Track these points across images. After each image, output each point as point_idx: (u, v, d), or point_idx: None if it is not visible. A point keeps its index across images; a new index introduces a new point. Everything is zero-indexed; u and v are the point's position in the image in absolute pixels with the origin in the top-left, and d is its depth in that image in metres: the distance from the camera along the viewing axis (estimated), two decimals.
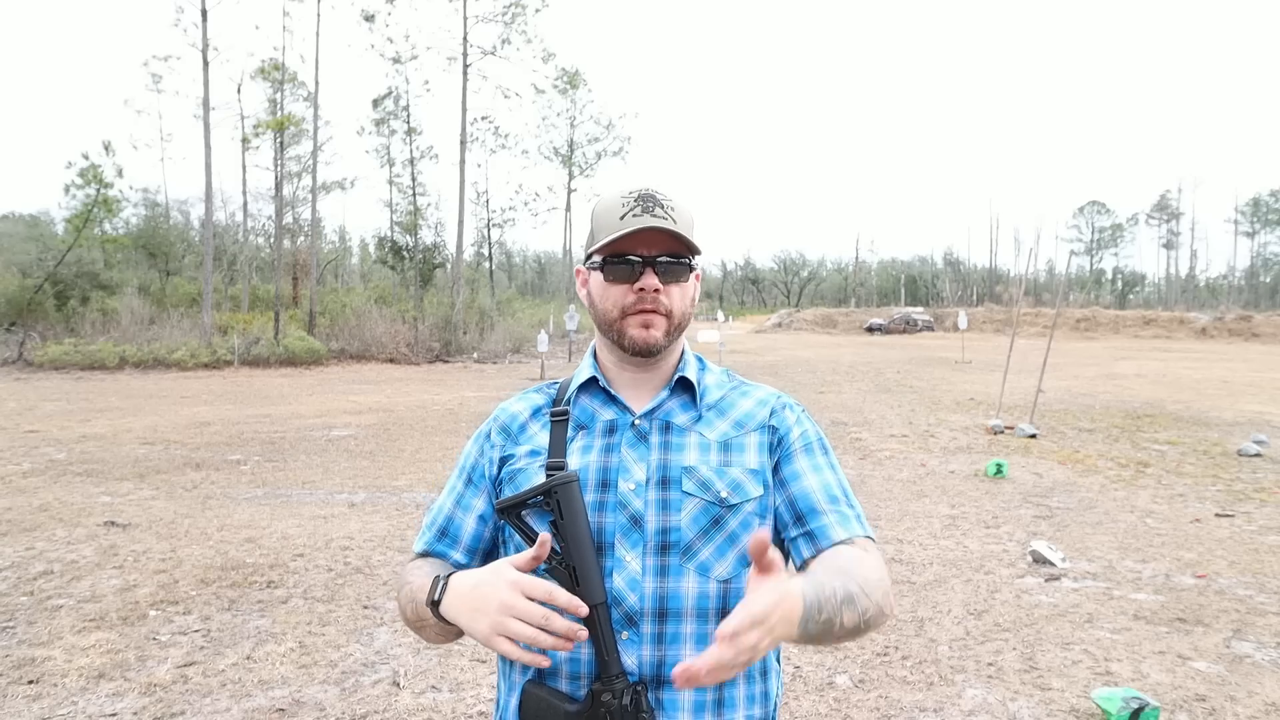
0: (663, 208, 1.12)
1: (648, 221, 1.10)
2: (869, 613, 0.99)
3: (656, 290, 1.12)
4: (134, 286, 27.16)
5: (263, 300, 32.03)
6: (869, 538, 1.12)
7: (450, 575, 1.03)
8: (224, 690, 3.41)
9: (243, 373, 20.39)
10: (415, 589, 1.09)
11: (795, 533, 1.13)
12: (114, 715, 3.18)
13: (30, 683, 3.43)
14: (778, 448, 1.17)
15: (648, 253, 1.12)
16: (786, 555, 1.15)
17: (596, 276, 1.17)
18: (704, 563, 1.10)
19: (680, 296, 1.16)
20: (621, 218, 1.11)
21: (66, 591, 4.57)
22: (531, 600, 0.93)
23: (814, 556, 1.09)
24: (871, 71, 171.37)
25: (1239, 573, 5.03)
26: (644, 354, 1.15)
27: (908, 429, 11.01)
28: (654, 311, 1.13)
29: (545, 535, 0.98)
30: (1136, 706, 3.11)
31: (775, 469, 1.16)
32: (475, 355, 25.89)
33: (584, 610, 0.96)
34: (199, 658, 3.72)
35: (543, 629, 0.93)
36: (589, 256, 1.18)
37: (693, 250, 1.14)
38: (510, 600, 0.93)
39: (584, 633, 0.95)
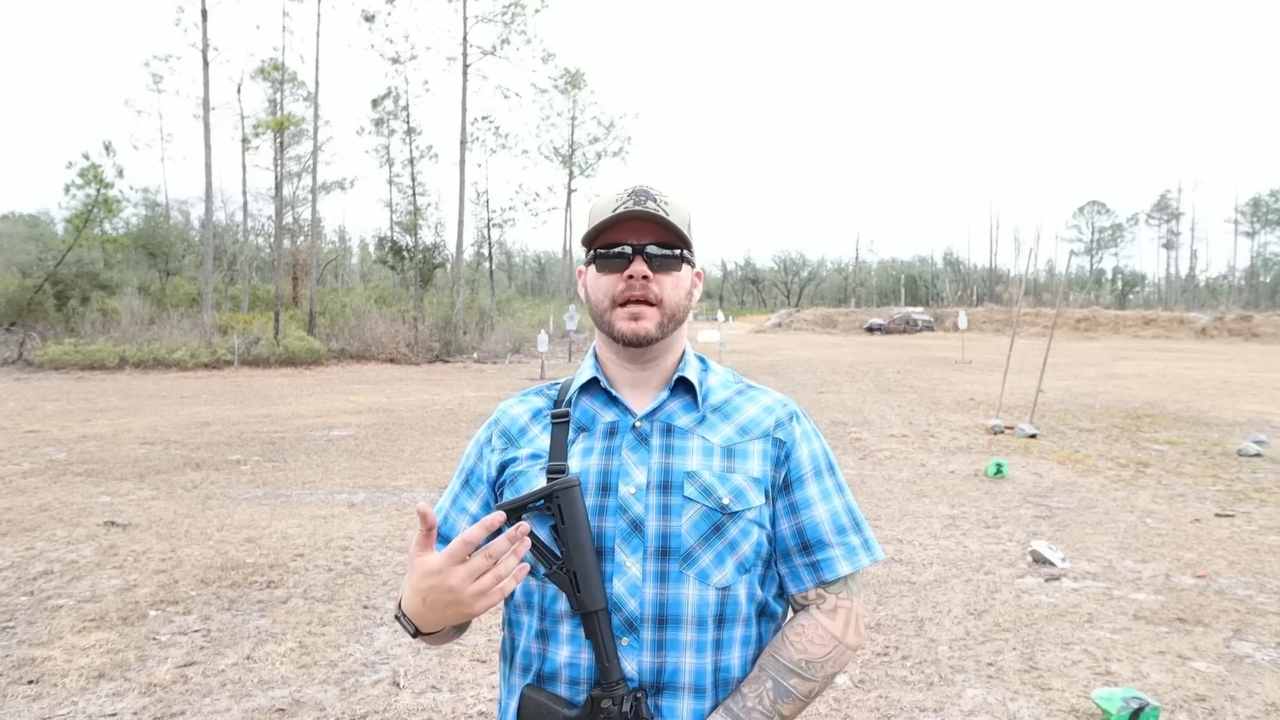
0: (655, 200, 1.12)
1: (637, 210, 1.10)
2: (815, 690, 1.08)
3: (646, 278, 1.12)
4: (134, 286, 27.13)
5: (263, 300, 32.01)
6: (874, 563, 1.19)
7: (400, 608, 1.05)
8: (224, 690, 3.41)
9: (243, 373, 20.38)
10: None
11: (800, 561, 1.15)
12: (114, 715, 3.18)
13: (30, 683, 3.43)
14: (784, 463, 1.16)
15: (638, 241, 1.12)
16: (781, 580, 1.16)
17: (591, 269, 1.17)
18: (704, 569, 1.09)
19: (673, 286, 1.15)
20: (614, 210, 1.12)
21: (66, 591, 4.57)
22: (463, 562, 0.93)
23: (815, 587, 1.14)
24: (871, 71, 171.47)
25: (1239, 573, 5.03)
26: (635, 345, 1.14)
27: (908, 429, 11.01)
28: (643, 301, 1.12)
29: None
30: (1136, 706, 3.11)
31: (784, 488, 1.16)
32: (475, 355, 25.88)
33: (502, 518, 0.95)
34: (199, 658, 3.72)
35: (499, 574, 0.93)
36: (586, 252, 1.19)
37: (684, 241, 1.14)
38: (456, 584, 0.93)
39: (524, 527, 0.95)
